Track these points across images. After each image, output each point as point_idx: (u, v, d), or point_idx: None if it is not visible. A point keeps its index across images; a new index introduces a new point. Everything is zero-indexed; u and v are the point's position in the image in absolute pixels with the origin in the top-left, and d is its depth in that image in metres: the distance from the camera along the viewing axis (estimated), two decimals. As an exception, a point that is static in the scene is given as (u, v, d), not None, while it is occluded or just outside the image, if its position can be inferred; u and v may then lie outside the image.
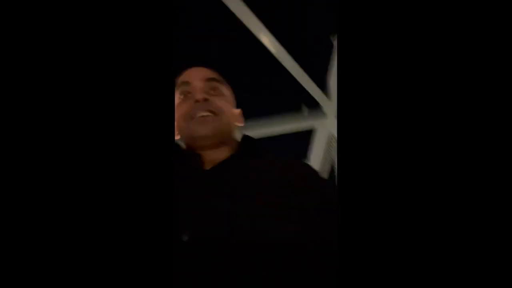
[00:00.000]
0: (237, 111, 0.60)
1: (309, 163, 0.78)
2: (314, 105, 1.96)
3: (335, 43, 1.81)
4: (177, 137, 0.54)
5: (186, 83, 0.54)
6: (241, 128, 0.59)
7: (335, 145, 2.08)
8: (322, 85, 1.94)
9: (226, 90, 0.57)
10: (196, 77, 0.54)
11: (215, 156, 0.48)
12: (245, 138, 0.55)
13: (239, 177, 0.43)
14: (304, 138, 2.12)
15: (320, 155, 2.11)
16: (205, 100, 0.50)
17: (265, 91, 1.94)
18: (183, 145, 0.54)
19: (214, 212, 0.36)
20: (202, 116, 0.49)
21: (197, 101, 0.50)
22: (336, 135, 1.91)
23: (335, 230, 0.29)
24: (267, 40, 1.57)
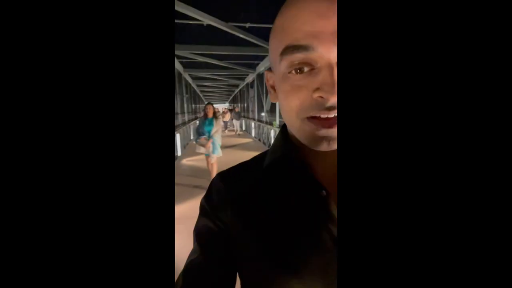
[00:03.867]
0: None
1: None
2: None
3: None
4: (273, 100, 0.38)
5: (307, 48, 0.28)
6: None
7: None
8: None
9: None
10: (325, 40, 0.27)
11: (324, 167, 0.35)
12: None
13: None
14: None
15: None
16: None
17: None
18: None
19: None
20: (328, 118, 0.30)
21: (321, 96, 0.28)
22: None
23: None
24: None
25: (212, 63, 6.27)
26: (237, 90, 13.71)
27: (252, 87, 9.24)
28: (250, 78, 9.00)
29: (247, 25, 3.98)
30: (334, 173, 0.34)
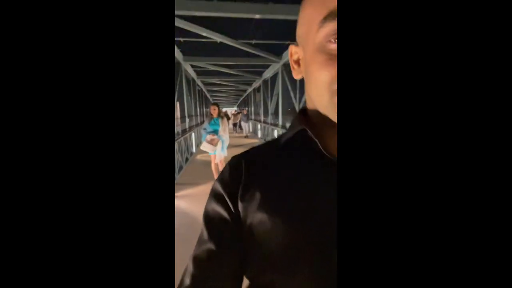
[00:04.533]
0: None
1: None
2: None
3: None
4: (297, 76, 0.38)
5: None
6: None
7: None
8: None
9: None
10: None
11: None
12: None
13: None
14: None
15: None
16: None
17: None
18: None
19: None
20: None
21: None
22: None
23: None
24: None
25: (223, 71, 7.13)
26: (245, 95, 14.50)
27: (258, 91, 10.02)
28: (257, 83, 9.81)
29: (253, 41, 4.80)
30: None
